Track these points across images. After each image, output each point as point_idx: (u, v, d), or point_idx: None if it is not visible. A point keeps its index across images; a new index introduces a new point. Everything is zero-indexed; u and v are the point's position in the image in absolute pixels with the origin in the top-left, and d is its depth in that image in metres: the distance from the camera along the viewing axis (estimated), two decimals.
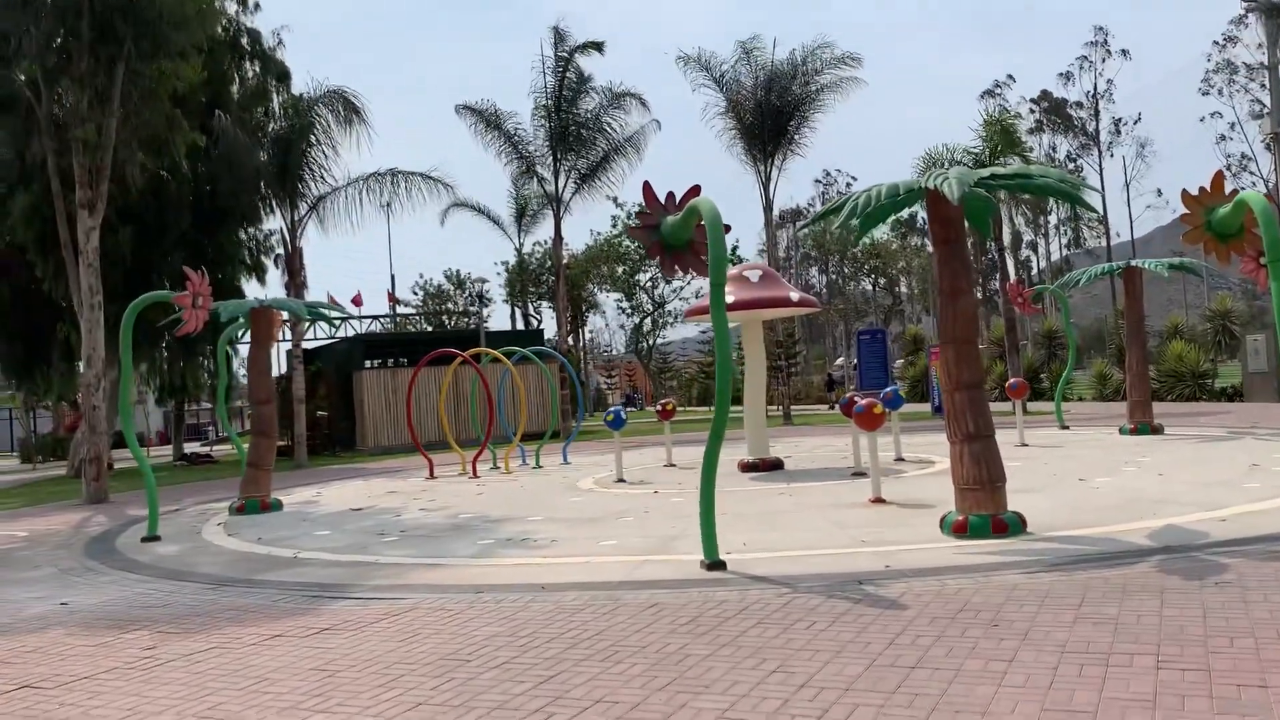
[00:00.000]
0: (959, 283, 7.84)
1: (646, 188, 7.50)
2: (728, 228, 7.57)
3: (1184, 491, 9.14)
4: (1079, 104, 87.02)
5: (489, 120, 26.74)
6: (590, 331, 59.85)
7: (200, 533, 10.94)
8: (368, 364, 27.03)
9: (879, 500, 9.66)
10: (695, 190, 7.40)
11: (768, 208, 26.66)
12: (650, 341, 44.29)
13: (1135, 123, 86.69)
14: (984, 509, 7.52)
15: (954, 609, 5.32)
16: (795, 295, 13.14)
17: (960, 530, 7.53)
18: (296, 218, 23.12)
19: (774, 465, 13.52)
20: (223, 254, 25.09)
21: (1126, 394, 16.02)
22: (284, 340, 24.85)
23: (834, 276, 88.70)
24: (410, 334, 37.72)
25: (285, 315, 13.81)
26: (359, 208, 23.33)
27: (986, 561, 6.54)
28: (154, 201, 23.03)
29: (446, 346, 18.90)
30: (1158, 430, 15.40)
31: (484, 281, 28.92)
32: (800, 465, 14.15)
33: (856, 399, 11.52)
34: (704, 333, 53.63)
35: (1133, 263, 15.31)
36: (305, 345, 37.04)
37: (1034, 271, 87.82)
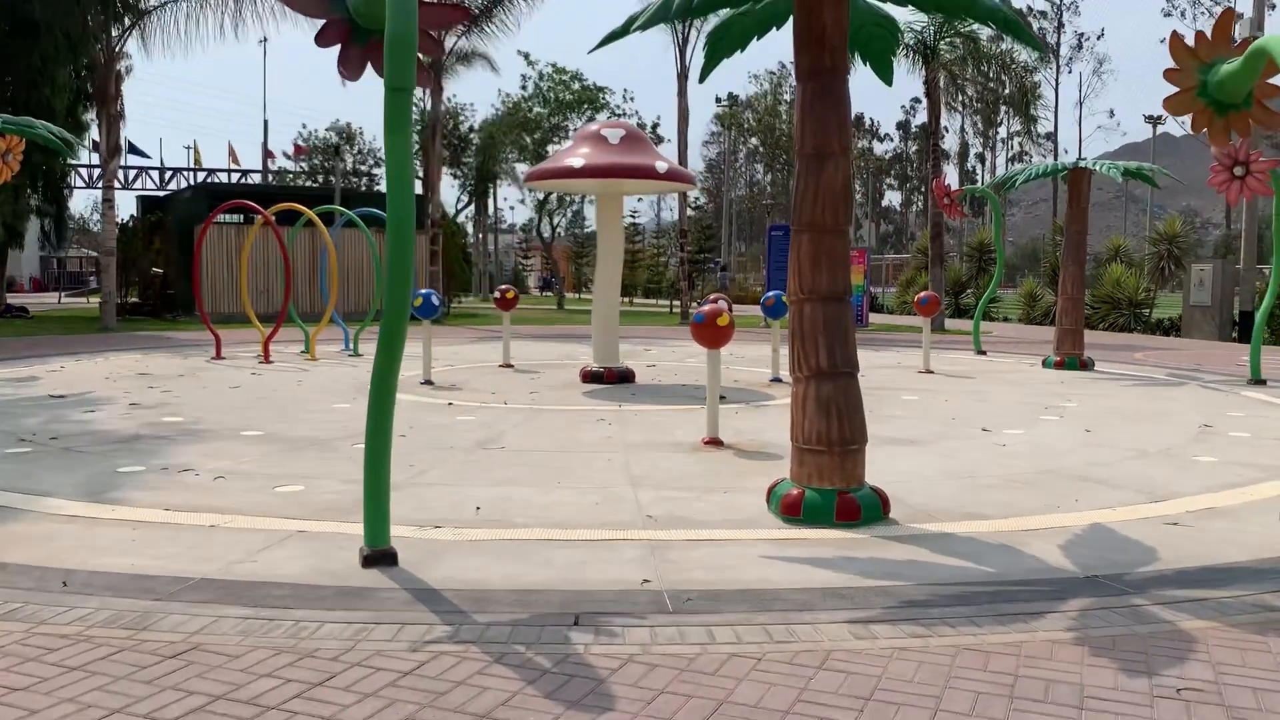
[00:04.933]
0: (828, 140, 5.13)
1: None
2: None
3: (1118, 461, 6.73)
4: (1043, 13, 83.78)
5: None
6: (511, 206, 56.28)
7: None
8: (227, 218, 23.64)
9: (714, 442, 7.14)
10: None
11: (682, 75, 23.46)
12: (555, 221, 40.86)
13: (1098, 38, 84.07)
14: (829, 481, 5.02)
15: (696, 718, 2.77)
16: (662, 165, 10.34)
17: (791, 510, 5.02)
18: (114, 31, 19.23)
19: (622, 377, 10.94)
20: (44, 75, 21.27)
21: (1056, 319, 13.66)
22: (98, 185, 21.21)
23: (782, 173, 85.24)
24: (261, 186, 33.88)
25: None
26: (195, 26, 19.46)
27: (802, 583, 4.02)
28: None
29: (301, 204, 15.77)
30: (1086, 365, 13.10)
31: (346, 130, 25.07)
32: (659, 379, 11.58)
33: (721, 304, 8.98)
34: (630, 214, 50.54)
35: (1080, 162, 12.73)
36: (153, 194, 33.34)
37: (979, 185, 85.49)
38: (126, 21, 19.32)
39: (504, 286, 12.56)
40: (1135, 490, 5.83)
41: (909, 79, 22.69)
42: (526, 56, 33.58)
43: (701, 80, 6.22)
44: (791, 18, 5.35)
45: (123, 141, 24.36)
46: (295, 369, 12.09)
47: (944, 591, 3.97)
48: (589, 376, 10.91)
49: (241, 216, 24.72)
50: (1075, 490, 5.82)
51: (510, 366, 12.58)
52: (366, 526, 4.27)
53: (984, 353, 15.62)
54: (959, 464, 6.59)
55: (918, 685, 3.04)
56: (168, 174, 48.16)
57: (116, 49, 19.25)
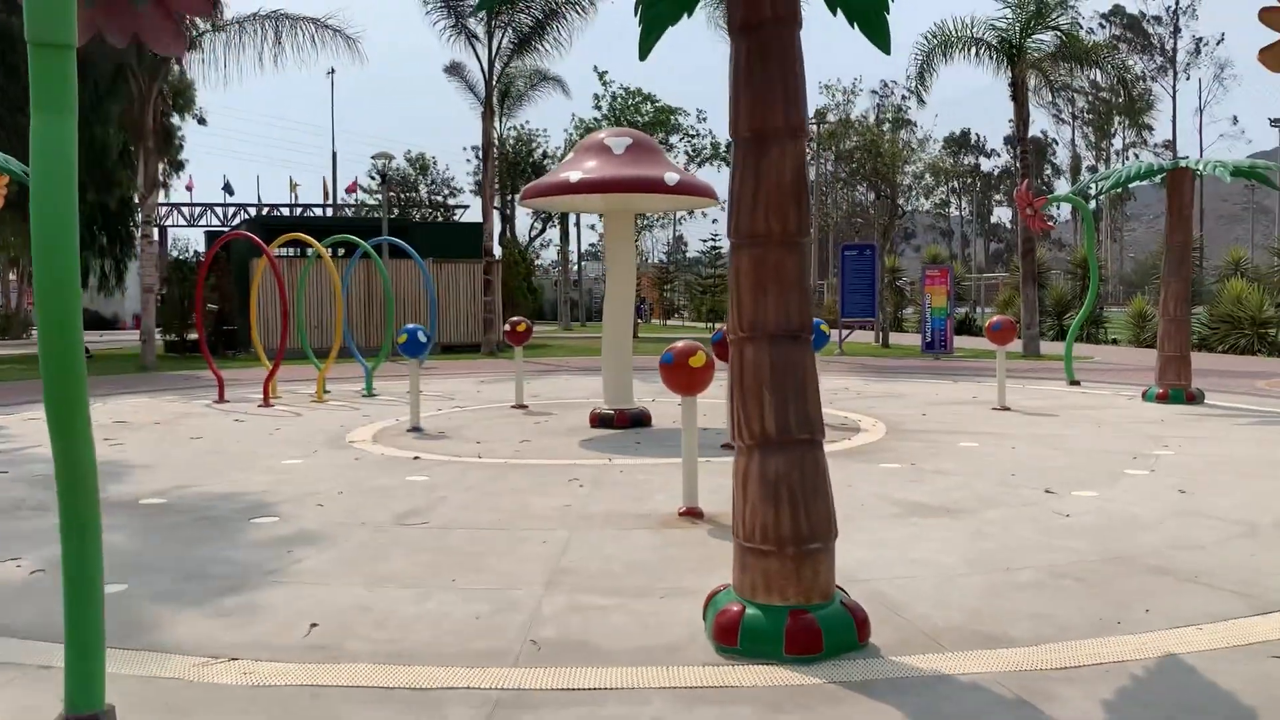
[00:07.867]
0: (770, 117, 3.71)
1: None
2: None
3: (1216, 542, 5.06)
4: (1157, 19, 79.90)
5: None
6: (592, 227, 55.37)
7: None
8: (277, 252, 23.16)
9: (692, 513, 5.72)
10: None
11: None
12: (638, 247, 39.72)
13: (1218, 43, 79.74)
14: (779, 594, 3.59)
15: None
16: (672, 177, 8.97)
17: (725, 636, 3.60)
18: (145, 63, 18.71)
19: (635, 420, 9.58)
20: (97, 111, 21.08)
21: (1158, 344, 11.76)
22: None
23: (885, 193, 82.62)
24: (315, 219, 33.62)
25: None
26: (238, 56, 18.86)
27: None
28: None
29: (353, 234, 15.14)
30: (1194, 398, 11.18)
31: (389, 158, 24.24)
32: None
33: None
34: (712, 236, 49.26)
35: (1182, 162, 10.88)
36: (219, 230, 33.37)
37: (1091, 204, 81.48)
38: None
39: (515, 319, 11.29)
40: (1235, 592, 4.21)
41: (998, 81, 20.82)
42: (602, 76, 32.55)
43: (642, 58, 4.83)
44: None
45: (169, 178, 24.17)
46: (289, 414, 11.05)
47: None
48: (598, 420, 9.58)
49: (297, 250, 24.43)
50: (1149, 591, 4.22)
51: (524, 407, 11.31)
52: (70, 687, 2.99)
53: (1077, 382, 13.73)
54: (996, 546, 5.02)
55: None
56: (232, 210, 48.79)
57: (157, 81, 18.73)
